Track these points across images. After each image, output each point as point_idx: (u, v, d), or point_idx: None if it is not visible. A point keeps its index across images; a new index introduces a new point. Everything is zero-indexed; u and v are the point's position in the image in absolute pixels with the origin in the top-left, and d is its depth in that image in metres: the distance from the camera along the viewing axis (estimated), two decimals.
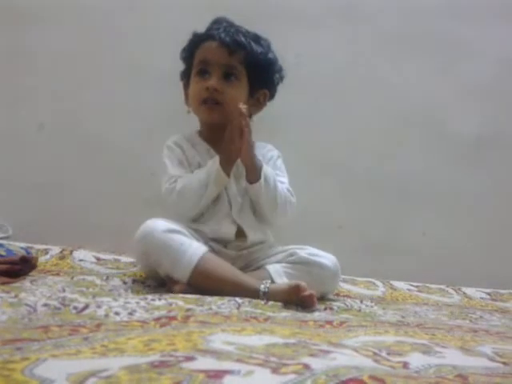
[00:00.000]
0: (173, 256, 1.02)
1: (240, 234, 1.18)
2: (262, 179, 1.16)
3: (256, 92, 1.26)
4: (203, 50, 1.22)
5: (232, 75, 1.20)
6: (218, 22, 1.24)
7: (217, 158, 1.16)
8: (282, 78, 1.30)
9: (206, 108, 1.20)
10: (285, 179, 1.27)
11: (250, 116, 1.29)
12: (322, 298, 1.11)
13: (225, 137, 1.15)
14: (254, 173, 1.17)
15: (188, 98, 1.28)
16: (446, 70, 1.79)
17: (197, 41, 1.24)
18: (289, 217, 1.24)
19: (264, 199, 1.18)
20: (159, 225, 1.05)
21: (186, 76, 1.29)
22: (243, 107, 1.12)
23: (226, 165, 1.15)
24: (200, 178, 1.15)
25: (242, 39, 1.20)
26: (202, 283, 1.02)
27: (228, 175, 1.16)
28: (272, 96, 1.31)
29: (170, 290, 1.02)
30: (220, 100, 1.18)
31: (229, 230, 1.17)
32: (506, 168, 1.80)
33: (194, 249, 1.03)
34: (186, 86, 1.29)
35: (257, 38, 1.24)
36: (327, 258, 1.13)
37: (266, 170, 1.18)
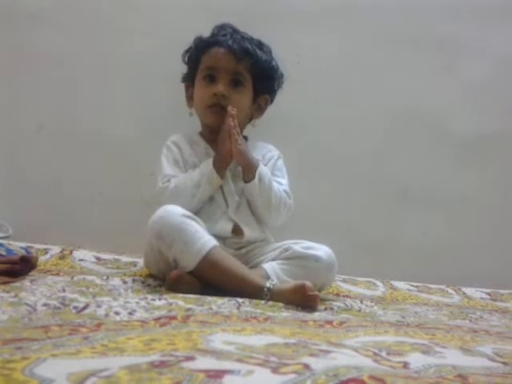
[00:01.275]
0: (186, 240, 1.03)
1: (237, 231, 1.20)
2: (257, 179, 1.18)
3: (258, 97, 1.30)
4: (211, 55, 1.25)
5: (238, 81, 1.24)
6: (222, 28, 1.27)
7: (210, 160, 1.19)
8: (281, 85, 1.34)
9: (213, 112, 1.22)
10: (283, 180, 1.28)
11: (250, 119, 1.31)
12: (320, 290, 1.11)
13: (218, 139, 1.19)
14: (249, 172, 1.19)
15: (190, 101, 1.31)
16: (446, 70, 1.79)
17: (203, 46, 1.27)
18: (284, 218, 1.25)
19: (258, 199, 1.20)
20: (177, 209, 1.07)
21: (188, 79, 1.32)
22: (231, 109, 1.16)
23: (220, 166, 1.18)
24: (193, 178, 1.18)
25: (249, 46, 1.24)
26: (209, 273, 1.03)
27: (221, 176, 1.19)
28: (271, 101, 1.34)
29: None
30: (227, 105, 1.20)
31: (225, 227, 1.18)
32: (507, 167, 1.80)
33: (207, 239, 1.05)
34: (188, 88, 1.31)
35: (260, 45, 1.28)
36: (322, 250, 1.13)
37: (262, 170, 1.20)
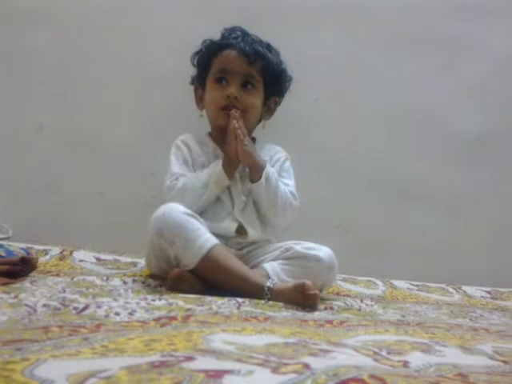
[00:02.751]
0: (187, 237, 1.04)
1: (241, 231, 1.20)
2: (263, 179, 1.19)
3: (268, 99, 1.32)
4: (223, 58, 1.26)
5: (250, 84, 1.25)
6: (233, 31, 1.28)
7: (220, 161, 1.21)
8: (289, 87, 1.35)
9: (226, 114, 1.23)
10: (290, 182, 1.29)
11: (260, 121, 1.33)
12: (321, 291, 1.11)
13: (226, 142, 1.20)
14: (255, 172, 1.20)
15: (200, 103, 1.33)
16: (447, 69, 1.79)
17: (215, 49, 1.28)
18: (290, 219, 1.25)
19: (264, 199, 1.21)
20: (179, 207, 1.08)
21: (198, 81, 1.33)
22: (235, 111, 1.19)
23: (229, 167, 1.19)
24: (201, 178, 1.19)
25: (260, 49, 1.25)
26: (209, 271, 1.04)
27: (230, 177, 1.20)
28: (279, 103, 1.36)
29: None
30: (239, 107, 1.22)
31: (229, 227, 1.19)
32: (506, 167, 1.80)
33: (209, 237, 1.06)
34: (197, 90, 1.33)
35: (269, 48, 1.30)
36: (323, 251, 1.14)
37: (269, 170, 1.21)
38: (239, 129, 1.17)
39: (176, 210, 1.07)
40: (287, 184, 1.26)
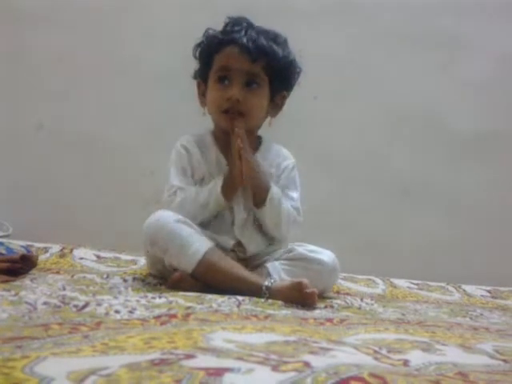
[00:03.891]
0: (181, 244, 1.03)
1: (240, 244, 1.17)
2: (268, 204, 1.14)
3: (275, 95, 1.22)
4: (224, 55, 1.17)
5: (254, 83, 1.16)
6: (236, 23, 1.19)
7: (220, 180, 1.14)
8: (298, 77, 1.25)
9: (228, 117, 1.16)
10: (295, 194, 1.23)
11: (266, 117, 1.24)
12: (321, 295, 1.11)
13: (229, 163, 1.15)
14: (259, 196, 1.15)
15: (202, 99, 1.24)
16: (446, 67, 1.79)
17: (217, 44, 1.18)
18: (293, 234, 1.22)
19: (268, 222, 1.17)
20: (171, 214, 1.06)
21: (201, 76, 1.24)
22: (239, 128, 1.11)
23: (229, 189, 1.14)
24: (201, 196, 1.14)
25: (264, 43, 1.15)
26: (207, 275, 1.03)
27: (228, 200, 1.14)
28: (288, 96, 1.26)
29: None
30: (242, 111, 1.15)
31: (228, 242, 1.15)
32: (506, 165, 1.80)
33: (203, 241, 1.04)
34: (200, 85, 1.25)
35: (276, 38, 1.20)
36: (325, 254, 1.13)
37: (272, 192, 1.15)
38: (243, 149, 1.10)
39: (168, 217, 1.05)
40: (292, 197, 1.21)
